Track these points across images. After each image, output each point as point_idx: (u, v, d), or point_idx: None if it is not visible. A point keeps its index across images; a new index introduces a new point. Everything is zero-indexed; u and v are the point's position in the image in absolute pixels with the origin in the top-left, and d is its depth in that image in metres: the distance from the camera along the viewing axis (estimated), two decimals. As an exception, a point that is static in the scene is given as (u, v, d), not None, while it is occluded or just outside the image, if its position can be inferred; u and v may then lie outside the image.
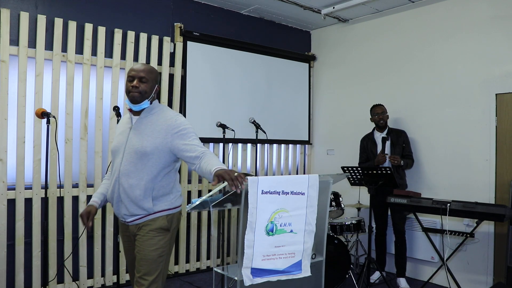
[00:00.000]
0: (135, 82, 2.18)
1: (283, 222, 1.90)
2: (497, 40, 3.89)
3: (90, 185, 3.87)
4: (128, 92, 2.20)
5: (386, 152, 4.12)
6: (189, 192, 4.49)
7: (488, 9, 3.95)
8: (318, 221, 2.01)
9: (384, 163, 4.07)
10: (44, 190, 3.33)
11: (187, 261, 4.50)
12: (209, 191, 4.41)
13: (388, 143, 4.16)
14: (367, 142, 4.34)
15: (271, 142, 5.11)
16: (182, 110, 4.39)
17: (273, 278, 1.93)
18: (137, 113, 2.24)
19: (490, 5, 3.94)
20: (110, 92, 3.97)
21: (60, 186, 3.63)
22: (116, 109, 3.39)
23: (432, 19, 4.38)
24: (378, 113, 4.23)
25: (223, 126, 3.88)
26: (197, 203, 1.84)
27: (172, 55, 4.35)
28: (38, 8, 3.61)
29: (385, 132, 4.26)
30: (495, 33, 3.90)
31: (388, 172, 3.71)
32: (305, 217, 1.95)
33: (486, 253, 3.90)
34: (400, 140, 4.18)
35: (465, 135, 4.09)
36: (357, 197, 4.67)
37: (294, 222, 1.93)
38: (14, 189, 3.49)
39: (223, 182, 1.84)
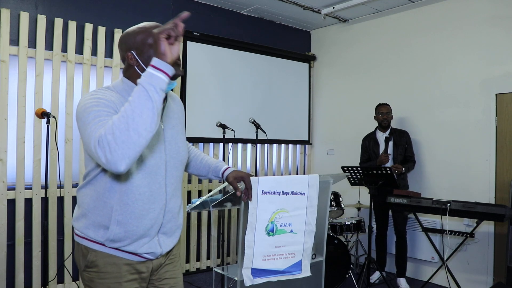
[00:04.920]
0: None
1: (283, 222, 1.90)
2: (497, 40, 3.89)
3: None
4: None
5: (389, 152, 4.12)
6: (189, 192, 4.49)
7: (488, 9, 3.95)
8: (318, 221, 2.00)
9: (387, 163, 4.07)
10: (44, 190, 3.34)
11: (187, 261, 4.50)
12: (209, 191, 4.41)
13: (390, 143, 4.16)
14: (369, 142, 4.33)
15: (271, 142, 5.11)
16: (182, 110, 4.39)
17: (273, 278, 1.93)
18: None
19: (490, 5, 3.94)
20: (110, 92, 3.97)
21: (60, 186, 3.63)
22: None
23: (432, 19, 4.38)
24: (383, 113, 4.21)
25: (223, 126, 3.87)
26: (197, 203, 1.84)
27: (172, 55, 4.34)
28: (38, 8, 3.61)
29: (388, 132, 4.25)
30: (495, 33, 3.90)
31: (389, 172, 3.71)
32: (305, 217, 1.95)
33: (486, 253, 3.90)
34: (402, 141, 4.18)
35: (465, 135, 4.09)
36: (357, 197, 4.67)
37: (294, 222, 1.93)
38: (14, 189, 3.49)
39: (223, 183, 1.83)
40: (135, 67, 1.50)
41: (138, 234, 1.48)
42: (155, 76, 1.21)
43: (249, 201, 1.78)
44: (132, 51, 1.49)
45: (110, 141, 1.19)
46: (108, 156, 1.19)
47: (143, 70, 1.48)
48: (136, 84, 1.33)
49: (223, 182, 1.84)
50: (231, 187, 1.77)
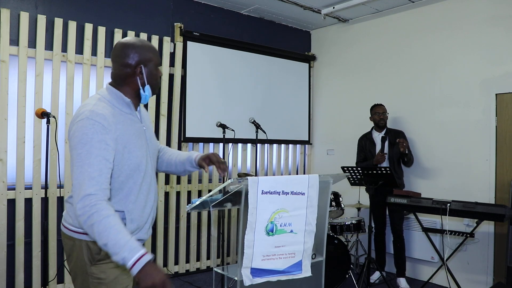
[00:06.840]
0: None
1: (283, 222, 1.90)
2: (497, 40, 3.89)
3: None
4: (156, 80, 1.72)
5: (385, 152, 4.13)
6: (189, 192, 4.49)
7: (488, 9, 3.95)
8: (318, 221, 2.01)
9: (383, 162, 4.08)
10: (44, 190, 3.34)
11: (187, 261, 4.50)
12: (209, 191, 4.41)
13: (386, 143, 4.17)
14: (365, 142, 4.35)
15: (271, 142, 5.11)
16: (182, 110, 4.39)
17: (273, 278, 1.93)
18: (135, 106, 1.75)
19: (490, 5, 3.94)
20: (110, 92, 3.97)
21: (60, 186, 3.63)
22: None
23: (432, 19, 4.38)
24: (379, 113, 4.23)
25: (223, 126, 3.88)
26: (197, 203, 1.84)
27: (172, 55, 4.35)
28: (38, 8, 3.61)
29: (384, 132, 4.26)
30: (495, 33, 3.90)
31: (388, 172, 3.71)
32: (305, 217, 1.95)
33: (486, 253, 3.90)
34: None
35: (465, 135, 4.09)
36: (357, 197, 4.67)
37: (294, 222, 1.93)
38: (14, 189, 3.49)
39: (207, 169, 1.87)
40: (137, 78, 1.64)
41: (143, 222, 1.69)
42: (126, 259, 1.38)
43: (249, 201, 1.79)
44: (141, 65, 1.64)
45: (83, 220, 1.44)
46: (76, 207, 1.45)
47: (143, 84, 1.66)
48: (125, 94, 1.64)
49: (223, 181, 1.84)
50: (231, 186, 1.78)
